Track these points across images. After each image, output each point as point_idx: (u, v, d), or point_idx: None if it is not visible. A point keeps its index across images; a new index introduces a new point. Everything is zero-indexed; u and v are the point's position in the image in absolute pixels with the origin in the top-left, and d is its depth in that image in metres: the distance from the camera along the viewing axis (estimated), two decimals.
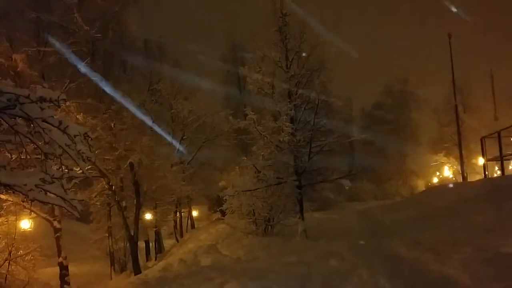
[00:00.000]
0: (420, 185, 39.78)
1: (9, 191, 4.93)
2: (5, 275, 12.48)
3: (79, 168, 5.44)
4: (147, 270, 14.86)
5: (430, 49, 65.51)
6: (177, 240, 24.95)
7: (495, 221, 8.47)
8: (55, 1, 15.55)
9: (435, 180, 38.84)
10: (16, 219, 12.90)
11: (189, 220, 29.45)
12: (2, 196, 9.98)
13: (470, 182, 20.97)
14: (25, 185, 4.59)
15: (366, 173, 35.47)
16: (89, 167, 14.39)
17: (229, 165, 21.76)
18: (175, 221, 26.14)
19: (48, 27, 15.29)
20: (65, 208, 5.18)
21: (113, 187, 16.62)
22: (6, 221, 12.68)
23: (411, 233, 10.33)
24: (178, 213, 26.13)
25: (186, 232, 27.83)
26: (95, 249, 21.04)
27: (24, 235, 13.59)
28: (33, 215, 14.00)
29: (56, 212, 14.96)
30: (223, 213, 16.20)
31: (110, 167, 16.52)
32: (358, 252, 9.51)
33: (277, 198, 13.78)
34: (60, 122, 4.56)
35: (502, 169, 16.50)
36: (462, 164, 25.14)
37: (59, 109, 11.29)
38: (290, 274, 7.86)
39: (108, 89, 15.19)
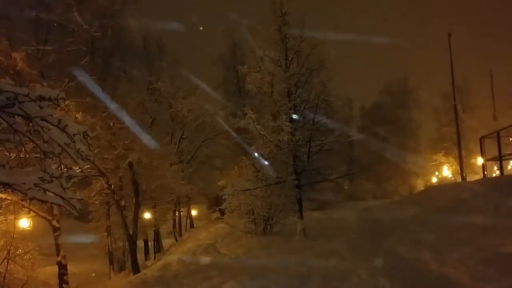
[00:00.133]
0: (419, 185, 39.81)
1: (8, 190, 4.92)
2: (4, 274, 12.48)
3: (78, 167, 5.42)
4: (146, 269, 14.86)
5: (430, 48, 65.61)
6: (176, 239, 24.94)
7: (494, 220, 8.47)
8: (54, 0, 15.55)
9: (434, 179, 38.89)
10: (15, 218, 12.89)
11: (188, 219, 29.45)
12: (1, 195, 9.98)
13: (469, 181, 20.96)
14: (24, 184, 4.57)
15: (365, 173, 35.49)
16: (88, 166, 14.38)
17: (229, 164, 21.75)
18: (174, 220, 26.13)
19: (48, 26, 15.29)
20: (64, 207, 5.17)
21: (112, 186, 16.60)
22: (5, 220, 12.67)
23: (411, 233, 10.32)
24: (177, 212, 26.12)
25: (185, 231, 27.83)
26: (94, 248, 21.02)
27: (23, 234, 13.59)
28: (32, 214, 13.99)
29: (55, 211, 14.96)
30: (222, 212, 16.19)
31: (109, 166, 16.51)
32: (357, 252, 9.51)
33: (276, 198, 13.78)
34: (59, 121, 4.54)
35: (501, 169, 16.49)
36: (461, 163, 25.15)
37: (58, 108, 11.30)
38: (289, 273, 7.86)
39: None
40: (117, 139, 16.16)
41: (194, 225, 29.51)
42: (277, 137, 13.05)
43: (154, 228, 23.01)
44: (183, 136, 23.63)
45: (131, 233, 16.87)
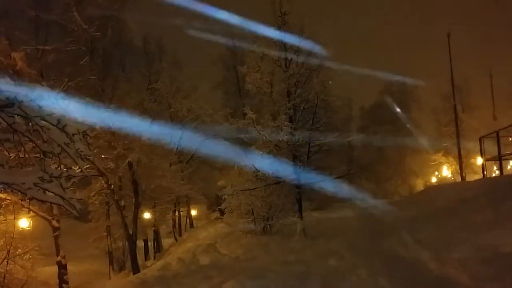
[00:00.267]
0: (419, 185, 39.82)
1: (8, 190, 4.92)
2: (3, 274, 12.48)
3: (77, 167, 5.43)
4: (145, 269, 14.85)
5: (430, 48, 65.63)
6: (176, 239, 24.93)
7: (494, 220, 8.47)
8: (54, 0, 15.54)
9: (434, 179, 38.89)
10: (15, 218, 12.89)
11: (188, 219, 29.44)
12: (1, 195, 9.98)
13: (468, 181, 20.97)
14: (24, 183, 4.57)
15: (365, 173, 35.46)
16: (88, 166, 14.36)
17: (228, 164, 21.76)
18: (174, 220, 26.12)
19: (47, 25, 15.28)
20: (64, 207, 5.17)
21: (112, 186, 16.60)
22: (4, 220, 12.67)
23: (410, 233, 10.32)
24: (177, 212, 26.11)
25: (185, 231, 27.81)
26: (94, 248, 21.02)
27: (23, 234, 13.59)
28: (32, 214, 13.99)
29: (55, 211, 14.95)
30: (222, 212, 16.20)
31: (108, 166, 16.50)
32: (357, 252, 9.51)
33: (276, 197, 13.78)
34: (59, 121, 4.54)
35: (500, 168, 16.50)
36: (460, 163, 25.16)
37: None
38: (289, 273, 7.86)
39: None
40: (117, 139, 16.15)
41: (194, 225, 29.50)
42: (277, 137, 13.04)
43: (153, 228, 23.01)
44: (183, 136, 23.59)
45: (131, 233, 16.86)
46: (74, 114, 5.03)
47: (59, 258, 15.36)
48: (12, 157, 5.07)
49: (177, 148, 22.85)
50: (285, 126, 12.92)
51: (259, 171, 13.55)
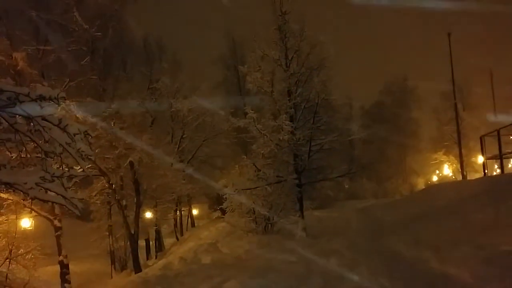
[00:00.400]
0: (420, 184, 39.78)
1: (10, 190, 4.94)
2: (5, 274, 12.48)
3: (79, 167, 5.44)
4: (147, 268, 14.87)
5: (430, 47, 65.51)
6: (177, 239, 24.97)
7: (495, 219, 8.46)
8: (54, 0, 15.55)
9: (435, 178, 38.85)
10: (17, 218, 12.89)
11: (189, 219, 29.48)
12: (3, 195, 9.99)
13: (469, 180, 20.97)
14: (26, 183, 4.59)
15: (366, 172, 35.48)
16: (89, 165, 14.39)
17: (229, 163, 21.78)
18: (175, 220, 26.17)
19: (48, 25, 15.29)
20: (66, 207, 5.18)
21: (113, 185, 16.63)
22: (6, 220, 12.67)
23: (411, 232, 10.33)
24: (178, 211, 26.16)
25: (187, 230, 27.86)
26: (96, 247, 21.05)
27: (25, 233, 13.59)
28: (34, 213, 14.01)
29: (57, 211, 14.96)
30: (223, 212, 16.21)
31: (110, 165, 16.52)
32: (358, 251, 9.52)
33: (277, 197, 13.79)
34: (60, 121, 4.55)
35: (501, 167, 16.49)
36: (461, 162, 25.15)
37: (59, 108, 11.29)
38: (290, 272, 7.87)
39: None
40: (118, 139, 16.16)
41: (195, 224, 29.55)
42: (278, 136, 13.06)
43: (155, 228, 23.02)
44: (184, 136, 23.62)
45: (133, 233, 16.89)
46: (76, 114, 5.04)
47: (61, 257, 15.38)
48: (13, 157, 5.09)
49: (178, 148, 22.90)
50: (286, 125, 12.93)
51: (260, 170, 13.58)
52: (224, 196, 14.51)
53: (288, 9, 13.45)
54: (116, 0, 16.80)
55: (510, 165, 25.34)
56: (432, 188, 21.41)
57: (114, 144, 16.18)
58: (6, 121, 4.42)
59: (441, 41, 25.33)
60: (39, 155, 5.00)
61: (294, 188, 13.58)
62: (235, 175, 14.77)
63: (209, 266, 10.16)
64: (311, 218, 15.30)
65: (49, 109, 4.50)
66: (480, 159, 20.77)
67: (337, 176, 15.19)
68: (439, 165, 36.71)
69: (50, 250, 15.19)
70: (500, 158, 15.83)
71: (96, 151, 15.00)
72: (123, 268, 20.27)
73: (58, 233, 15.22)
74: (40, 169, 4.81)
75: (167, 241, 25.81)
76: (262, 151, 13.41)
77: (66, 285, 15.30)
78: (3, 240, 12.64)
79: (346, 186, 36.99)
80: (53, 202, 5.31)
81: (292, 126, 13.09)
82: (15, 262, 12.89)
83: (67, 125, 4.60)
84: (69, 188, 5.09)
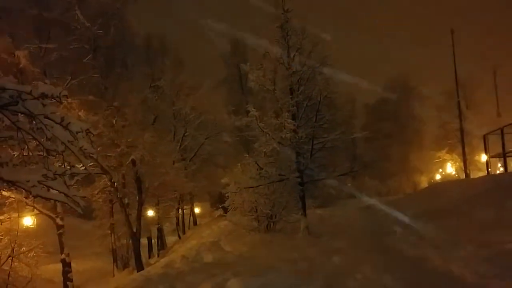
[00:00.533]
0: (423, 182, 39.69)
1: (12, 188, 4.93)
2: (8, 272, 12.53)
3: (81, 165, 5.43)
4: (149, 266, 14.89)
5: (434, 45, 65.32)
6: (180, 237, 25.00)
7: (498, 218, 8.43)
8: None
9: (438, 176, 38.76)
10: (19, 216, 12.94)
11: (191, 217, 29.50)
12: (5, 193, 10.01)
13: (473, 179, 20.90)
14: (28, 181, 4.58)
15: (368, 170, 35.39)
16: (92, 163, 14.41)
17: (231, 162, 21.78)
18: (178, 218, 26.18)
19: (50, 24, 15.30)
20: (68, 205, 5.17)
21: (115, 184, 16.64)
22: (8, 218, 12.70)
23: (414, 230, 10.31)
24: (180, 210, 26.17)
25: (189, 229, 27.89)
26: (98, 246, 21.10)
27: (27, 232, 13.63)
28: (36, 212, 14.06)
29: (59, 209, 15.01)
30: (226, 210, 16.20)
31: (112, 163, 16.54)
32: (360, 249, 9.50)
33: (280, 195, 13.77)
34: (62, 119, 4.54)
35: (505, 165, 16.41)
36: (465, 160, 25.08)
37: (61, 106, 11.30)
38: (293, 270, 7.86)
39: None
40: (120, 137, 16.18)
41: (198, 222, 29.57)
42: (280, 135, 13.02)
43: (157, 226, 23.06)
44: (186, 134, 23.65)
45: (135, 231, 16.91)
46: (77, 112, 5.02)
47: (63, 256, 15.43)
48: (16, 155, 5.08)
49: (180, 146, 22.92)
50: (288, 124, 12.88)
51: (262, 168, 13.55)
52: (226, 195, 14.49)
53: (291, 7, 13.39)
54: None
55: None
56: (435, 187, 21.36)
57: (116, 142, 16.19)
58: (9, 119, 4.41)
59: (444, 39, 25.25)
60: (41, 153, 4.99)
61: (296, 187, 13.54)
62: (237, 174, 14.75)
63: (211, 264, 10.15)
64: (314, 217, 15.28)
65: (51, 107, 4.49)
66: (484, 157, 20.70)
67: (340, 174, 15.13)
68: (442, 163, 36.62)
69: (52, 248, 15.23)
70: (504, 156, 15.76)
71: (98, 149, 15.02)
72: (125, 266, 20.31)
73: (60, 231, 15.27)
74: (42, 167, 4.80)
75: (169, 240, 25.85)
76: (264, 150, 13.36)
77: (68, 283, 15.35)
78: (6, 238, 12.68)
79: (349, 185, 36.93)
80: (55, 200, 5.30)
81: (294, 124, 13.04)
82: (18, 260, 12.93)
83: (69, 123, 4.58)
84: (71, 186, 5.08)
